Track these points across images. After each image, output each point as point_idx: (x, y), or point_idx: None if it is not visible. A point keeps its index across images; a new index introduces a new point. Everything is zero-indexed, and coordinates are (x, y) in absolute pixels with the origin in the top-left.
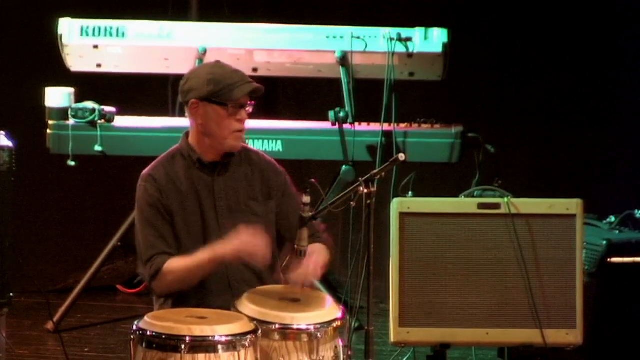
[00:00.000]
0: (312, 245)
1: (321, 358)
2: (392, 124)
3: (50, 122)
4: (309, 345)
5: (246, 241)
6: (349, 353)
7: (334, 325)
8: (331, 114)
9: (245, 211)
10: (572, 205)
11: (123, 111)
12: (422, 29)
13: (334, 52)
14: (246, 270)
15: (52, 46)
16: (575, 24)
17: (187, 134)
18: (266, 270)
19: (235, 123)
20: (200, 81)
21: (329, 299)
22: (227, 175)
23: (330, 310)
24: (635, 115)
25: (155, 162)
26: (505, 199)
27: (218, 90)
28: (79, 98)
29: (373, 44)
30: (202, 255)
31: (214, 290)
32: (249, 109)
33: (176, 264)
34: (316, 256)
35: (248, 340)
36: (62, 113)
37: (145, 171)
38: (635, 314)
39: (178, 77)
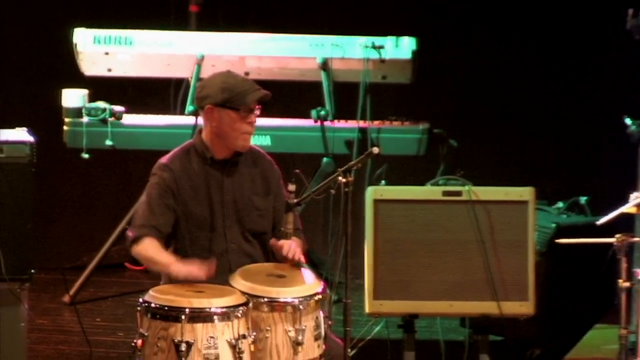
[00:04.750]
0: (292, 238)
1: (304, 327)
2: (367, 122)
3: (66, 119)
4: (293, 316)
5: (191, 271)
6: (329, 323)
7: (315, 298)
8: (313, 112)
9: (248, 204)
10: (525, 193)
11: (131, 110)
12: (394, 37)
13: (316, 58)
14: (244, 257)
15: (68, 53)
16: (530, 31)
17: (200, 132)
18: (262, 257)
19: (245, 125)
20: (215, 89)
21: (311, 276)
22: (235, 172)
23: (311, 285)
24: (579, 113)
25: (172, 154)
26: (467, 187)
27: (231, 97)
28: (92, 98)
29: (350, 51)
30: (167, 258)
31: (218, 271)
32: (257, 112)
33: (147, 246)
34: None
35: (240, 312)
36: (77, 112)
37: (162, 161)
38: (579, 288)
39: (179, 80)
